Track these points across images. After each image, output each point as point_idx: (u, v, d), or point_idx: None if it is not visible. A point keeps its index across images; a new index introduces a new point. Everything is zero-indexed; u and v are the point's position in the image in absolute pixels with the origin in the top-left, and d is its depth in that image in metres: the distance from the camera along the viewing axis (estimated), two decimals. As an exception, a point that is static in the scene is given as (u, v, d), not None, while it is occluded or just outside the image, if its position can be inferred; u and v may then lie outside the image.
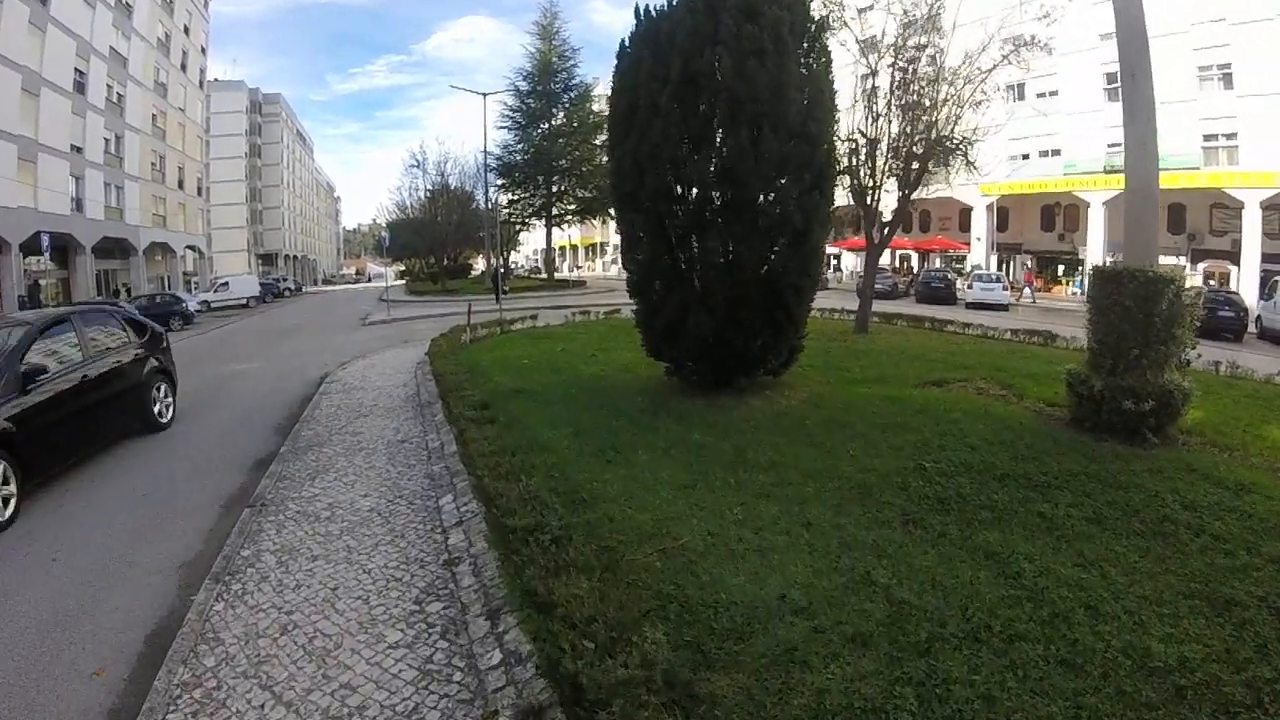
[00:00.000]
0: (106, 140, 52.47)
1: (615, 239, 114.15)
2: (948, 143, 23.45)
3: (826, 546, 6.67)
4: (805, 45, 12.05)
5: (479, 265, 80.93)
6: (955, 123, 23.35)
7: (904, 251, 67.97)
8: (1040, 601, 5.55)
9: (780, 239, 11.79)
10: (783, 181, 11.49)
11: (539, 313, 29.81)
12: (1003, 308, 41.56)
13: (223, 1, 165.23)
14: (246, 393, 18.01)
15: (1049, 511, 7.19)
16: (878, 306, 27.40)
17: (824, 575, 6.12)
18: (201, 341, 33.15)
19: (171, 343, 32.35)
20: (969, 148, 24.36)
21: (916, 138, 22.83)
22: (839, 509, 7.55)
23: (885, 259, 47.89)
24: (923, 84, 22.99)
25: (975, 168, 25.42)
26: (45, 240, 38.90)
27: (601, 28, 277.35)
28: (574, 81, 68.52)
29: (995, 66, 23.04)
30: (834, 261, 70.30)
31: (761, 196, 11.58)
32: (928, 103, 22.81)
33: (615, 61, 12.70)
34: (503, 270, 59.69)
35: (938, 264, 61.62)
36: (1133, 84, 10.95)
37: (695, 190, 11.65)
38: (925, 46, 23.42)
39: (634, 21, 12.50)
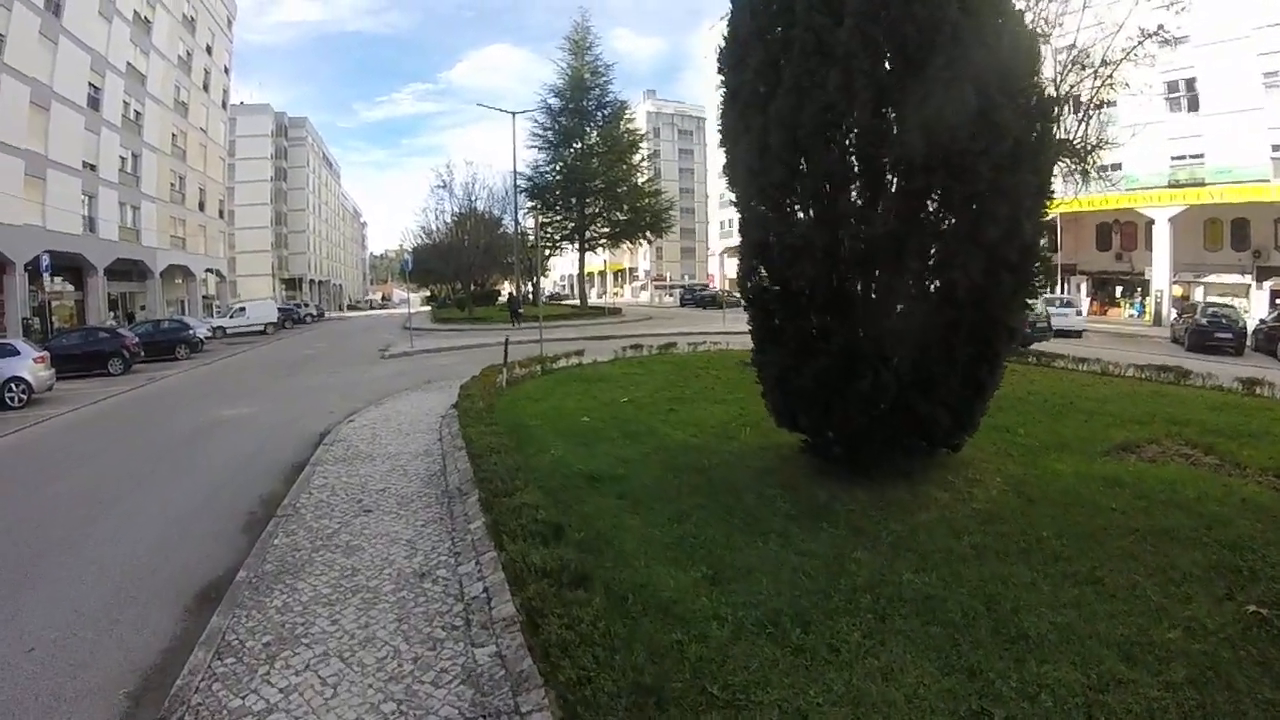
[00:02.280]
0: (122, 159, 50.23)
1: (645, 264, 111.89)
2: (1078, 146, 19.87)
3: None
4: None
5: (508, 291, 77.90)
6: (1084, 124, 19.88)
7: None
8: None
9: (1005, 258, 7.92)
10: (1018, 174, 7.63)
11: (580, 344, 26.07)
12: (1077, 334, 37.74)
13: (250, 30, 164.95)
14: (226, 453, 14.13)
15: None
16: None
17: None
18: (202, 375, 29.61)
19: (167, 376, 30.48)
20: (1097, 153, 20.89)
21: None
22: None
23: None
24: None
25: (1105, 177, 21.89)
26: (45, 261, 35.83)
27: (625, 55, 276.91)
28: (607, 99, 65.12)
29: (1125, 57, 19.76)
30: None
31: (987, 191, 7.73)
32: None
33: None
34: (519, 296, 57.34)
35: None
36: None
37: (894, 181, 7.64)
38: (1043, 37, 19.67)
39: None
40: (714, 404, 14.85)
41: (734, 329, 38.56)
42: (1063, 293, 51.41)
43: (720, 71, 9.27)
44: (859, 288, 8.21)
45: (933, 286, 7.88)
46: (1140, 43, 20.14)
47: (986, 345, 8.44)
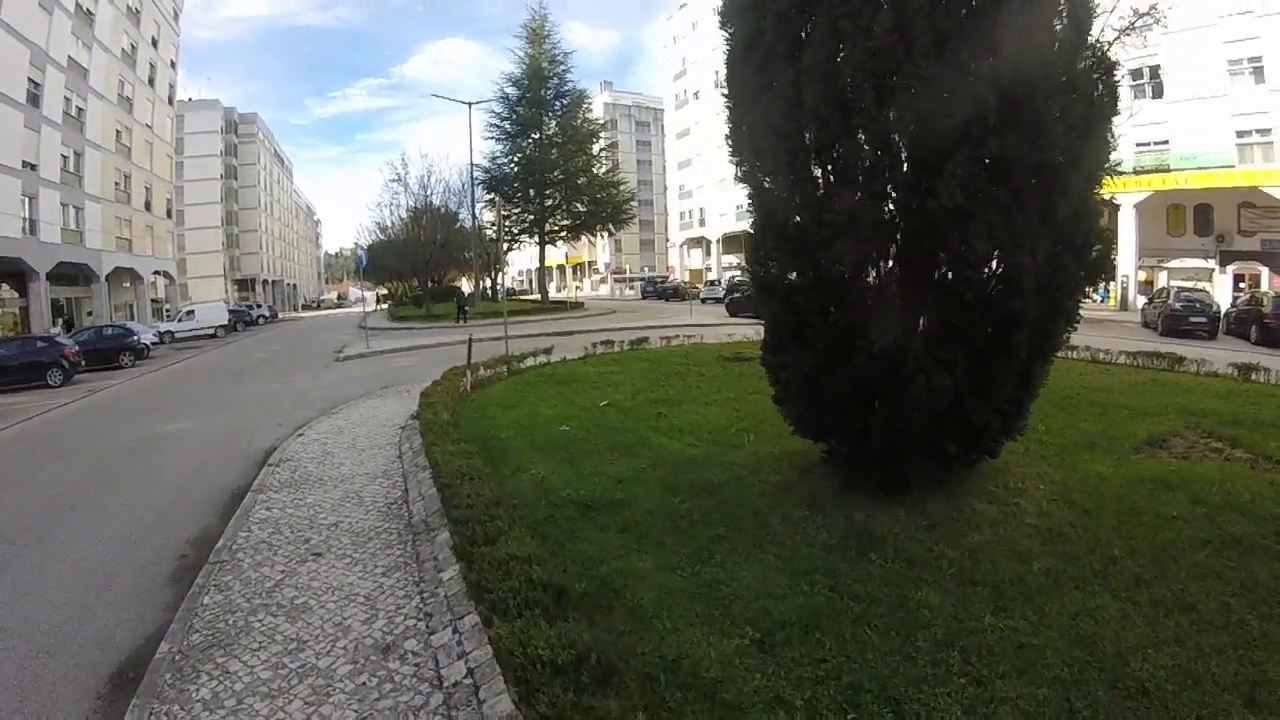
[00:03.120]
0: (64, 157, 47.86)
1: (604, 257, 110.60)
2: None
3: None
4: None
5: (465, 288, 76.36)
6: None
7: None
8: None
9: (1072, 239, 6.75)
10: (1089, 140, 6.57)
11: (546, 340, 24.58)
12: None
13: (198, 25, 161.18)
14: (160, 478, 12.51)
15: None
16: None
17: None
18: (145, 385, 27.65)
19: (108, 386, 28.60)
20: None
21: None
22: None
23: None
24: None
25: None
26: (-21, 267, 33.93)
27: (578, 48, 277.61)
28: (566, 88, 63.45)
29: (1118, 38, 18.95)
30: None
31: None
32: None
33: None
34: (476, 292, 56.76)
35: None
36: None
37: (960, 146, 6.24)
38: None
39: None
40: (704, 406, 13.57)
41: (702, 321, 37.57)
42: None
43: (724, 25, 7.91)
44: (908, 275, 6.89)
45: (995, 273, 6.59)
46: (1133, 24, 19.59)
47: (1046, 339, 7.25)
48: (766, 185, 7.60)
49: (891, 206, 6.75)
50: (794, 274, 7.50)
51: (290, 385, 23.78)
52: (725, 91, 8.01)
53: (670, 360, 20.28)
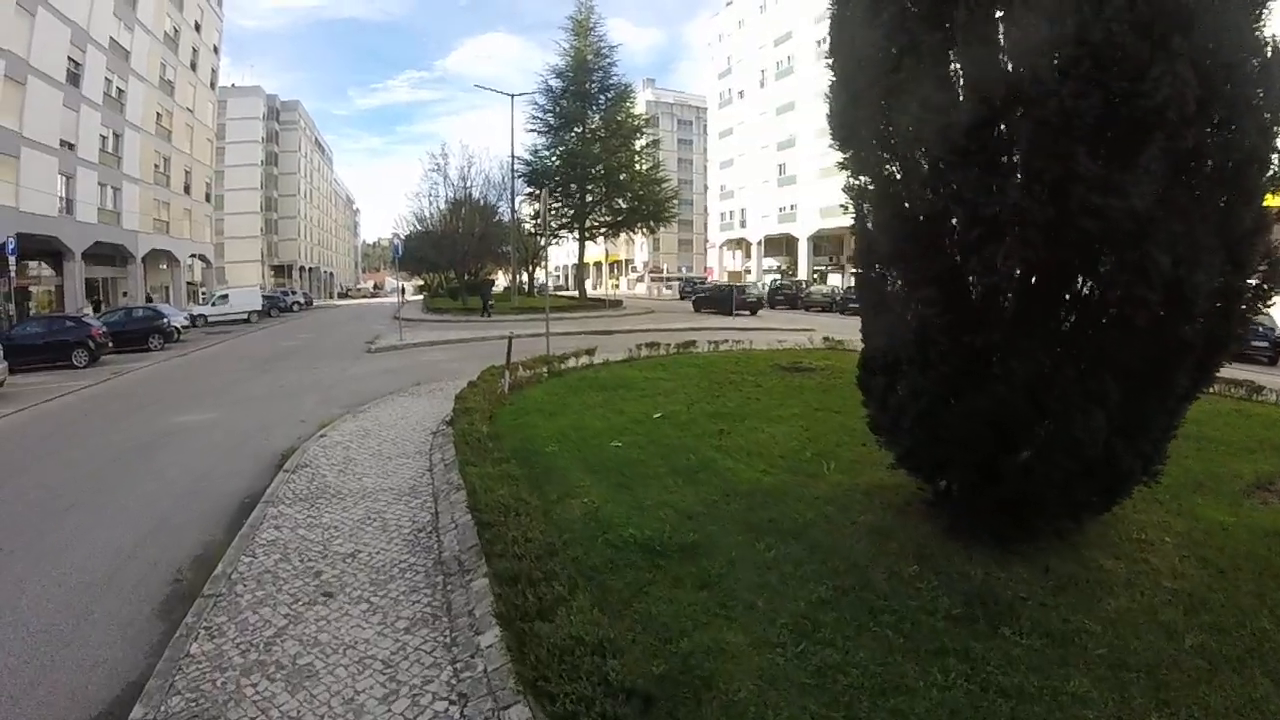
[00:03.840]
0: (103, 137, 47.85)
1: (641, 256, 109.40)
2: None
3: None
4: None
5: (500, 281, 75.51)
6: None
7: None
8: None
9: (1244, 255, 5.58)
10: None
11: (587, 339, 23.38)
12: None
13: (243, 14, 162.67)
14: (168, 478, 11.43)
15: None
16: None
17: None
18: (170, 369, 26.89)
19: (132, 370, 27.86)
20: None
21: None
22: None
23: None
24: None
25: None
26: (11, 244, 33.23)
27: (623, 43, 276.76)
28: (610, 81, 62.25)
29: None
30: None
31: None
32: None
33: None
34: (513, 286, 60.56)
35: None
36: None
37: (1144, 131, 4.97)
38: None
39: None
40: (769, 423, 12.18)
41: (746, 325, 36.45)
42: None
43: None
44: (1055, 288, 5.59)
45: (1168, 289, 5.29)
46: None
47: (1204, 373, 6.03)
48: (891, 172, 6.28)
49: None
50: (913, 281, 6.20)
51: (317, 376, 22.78)
52: (830, 62, 6.71)
53: (722, 367, 18.92)
